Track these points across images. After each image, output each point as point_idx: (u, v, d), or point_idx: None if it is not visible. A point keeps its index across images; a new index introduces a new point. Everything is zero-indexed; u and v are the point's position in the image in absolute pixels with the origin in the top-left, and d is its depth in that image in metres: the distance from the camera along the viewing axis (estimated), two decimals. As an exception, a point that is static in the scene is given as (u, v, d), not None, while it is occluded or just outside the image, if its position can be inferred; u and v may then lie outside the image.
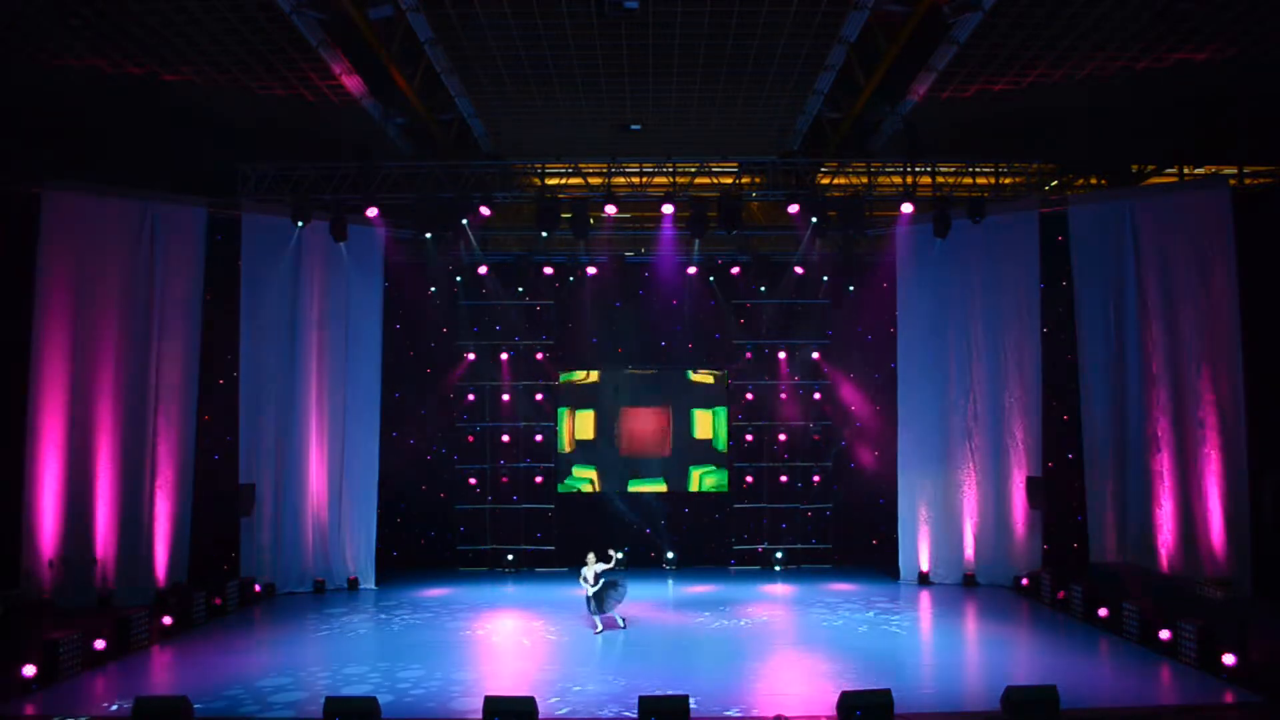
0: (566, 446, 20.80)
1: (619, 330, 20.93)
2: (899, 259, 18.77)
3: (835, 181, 18.41)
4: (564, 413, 20.84)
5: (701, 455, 20.87)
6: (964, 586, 17.90)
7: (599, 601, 14.16)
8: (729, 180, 18.08)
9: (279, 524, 17.59)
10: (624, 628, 14.30)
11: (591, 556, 14.28)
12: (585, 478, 20.79)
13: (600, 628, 14.26)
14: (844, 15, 13.00)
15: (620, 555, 14.71)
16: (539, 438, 20.79)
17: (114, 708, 10.69)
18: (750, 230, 19.34)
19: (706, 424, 20.92)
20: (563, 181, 18.22)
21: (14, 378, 15.65)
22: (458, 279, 20.19)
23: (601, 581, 14.20)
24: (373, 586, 18.14)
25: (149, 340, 16.51)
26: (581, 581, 14.27)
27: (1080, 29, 13.65)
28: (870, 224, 18.39)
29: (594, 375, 20.87)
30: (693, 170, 17.88)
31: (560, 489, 20.70)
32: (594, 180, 18.07)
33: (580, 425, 20.86)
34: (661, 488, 20.71)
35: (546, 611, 15.83)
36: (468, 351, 20.57)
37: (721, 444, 20.85)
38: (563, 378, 20.80)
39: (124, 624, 13.22)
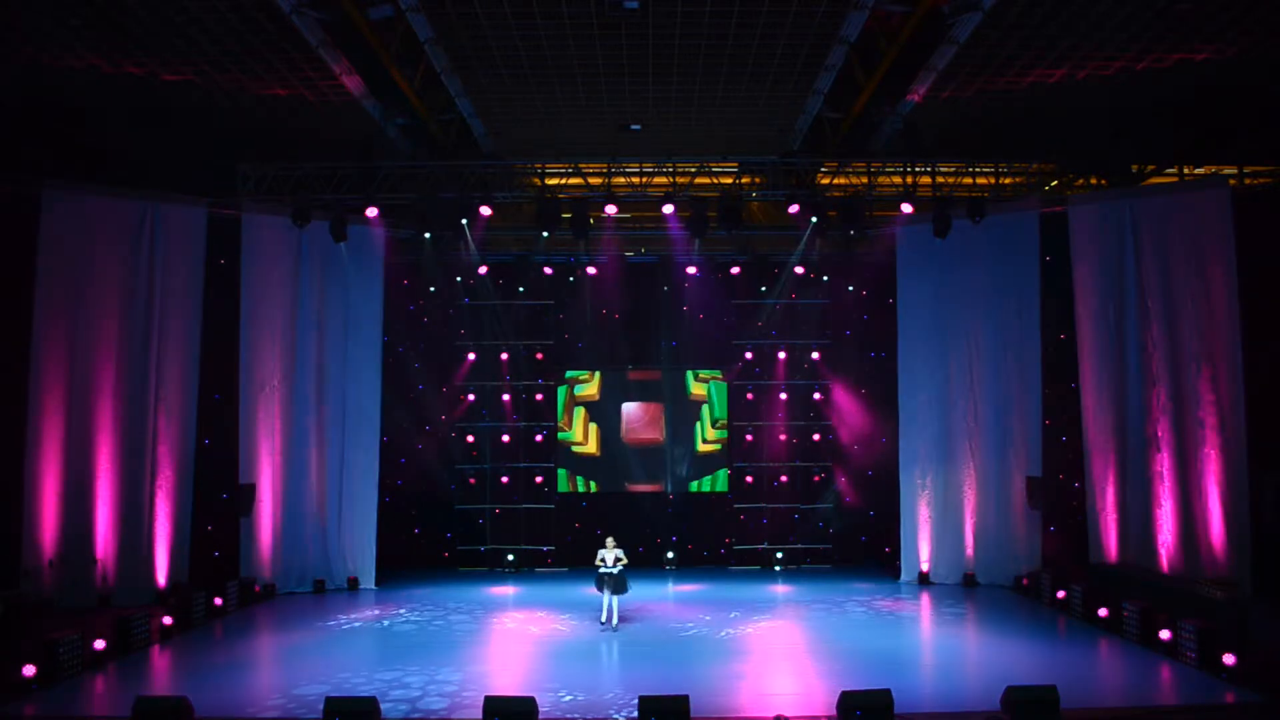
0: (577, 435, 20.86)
1: (619, 330, 20.93)
2: (899, 259, 18.80)
3: (835, 181, 18.40)
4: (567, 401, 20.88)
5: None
6: (964, 586, 17.91)
7: (618, 584, 14.11)
8: (729, 180, 18.07)
9: (279, 524, 17.60)
10: (615, 629, 14.28)
11: (610, 541, 14.29)
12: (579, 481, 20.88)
13: (614, 621, 14.21)
14: (844, 15, 13.01)
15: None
16: (539, 438, 20.80)
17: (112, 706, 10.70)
18: (750, 230, 19.34)
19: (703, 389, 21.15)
20: (563, 181, 18.20)
21: (14, 378, 15.65)
22: (458, 279, 20.18)
23: (620, 566, 14.20)
24: (373, 586, 18.14)
25: (149, 340, 16.51)
26: (599, 563, 14.20)
27: (1080, 29, 13.64)
28: (870, 224, 18.39)
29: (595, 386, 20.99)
30: (693, 170, 17.87)
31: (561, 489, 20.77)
32: (594, 180, 18.06)
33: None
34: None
35: (546, 611, 15.82)
36: (468, 351, 20.57)
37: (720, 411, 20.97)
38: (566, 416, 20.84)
39: (124, 624, 13.20)
